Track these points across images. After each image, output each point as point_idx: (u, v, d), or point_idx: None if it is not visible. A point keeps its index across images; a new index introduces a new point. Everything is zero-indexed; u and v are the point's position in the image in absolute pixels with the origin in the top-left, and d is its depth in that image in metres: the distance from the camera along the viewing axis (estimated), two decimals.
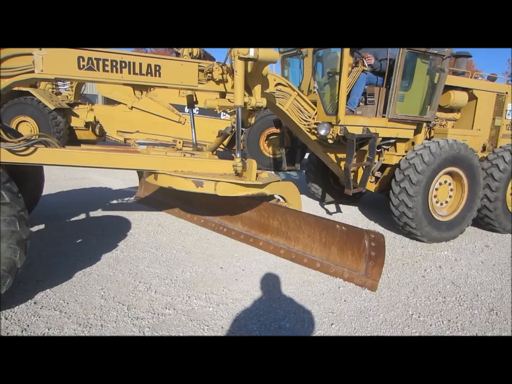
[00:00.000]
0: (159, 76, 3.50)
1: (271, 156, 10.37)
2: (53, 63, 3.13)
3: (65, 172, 8.20)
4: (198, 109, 10.42)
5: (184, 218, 5.12)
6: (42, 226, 4.56)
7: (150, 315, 2.77)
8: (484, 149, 5.91)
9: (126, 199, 6.20)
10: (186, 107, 10.64)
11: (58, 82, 10.99)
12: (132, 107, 10.03)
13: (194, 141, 5.08)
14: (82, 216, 5.14)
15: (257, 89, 3.78)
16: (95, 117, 10.55)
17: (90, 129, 10.88)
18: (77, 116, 10.64)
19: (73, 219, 4.96)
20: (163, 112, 10.18)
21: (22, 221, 2.58)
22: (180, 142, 10.41)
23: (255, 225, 4.31)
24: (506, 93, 6.02)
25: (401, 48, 4.48)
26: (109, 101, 11.21)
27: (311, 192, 6.70)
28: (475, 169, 4.86)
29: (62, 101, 10.61)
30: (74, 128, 10.68)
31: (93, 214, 5.26)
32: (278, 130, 9.54)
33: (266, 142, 10.38)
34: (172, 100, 10.26)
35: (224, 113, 10.36)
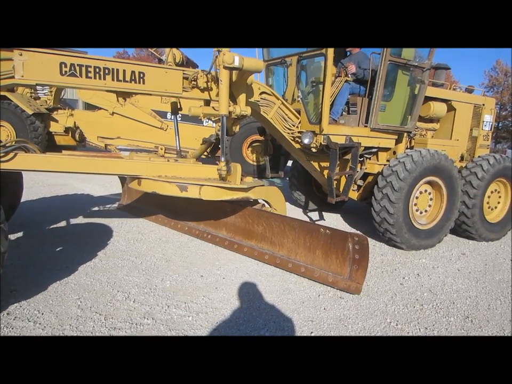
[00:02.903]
0: (143, 83, 3.49)
1: (254, 163, 10.39)
2: (34, 69, 3.08)
3: (43, 177, 8.03)
4: (180, 115, 10.38)
5: (168, 226, 5.06)
6: (18, 234, 4.44)
7: (128, 325, 2.72)
8: (462, 158, 6.08)
9: (107, 206, 6.11)
10: (169, 113, 10.60)
11: (37, 86, 10.77)
12: (113, 113, 9.93)
13: (178, 148, 5.04)
14: (61, 223, 5.03)
15: (242, 98, 3.80)
16: (75, 122, 10.37)
17: (70, 134, 10.68)
18: (56, 121, 10.43)
19: (51, 226, 4.85)
20: (145, 118, 10.11)
21: (1, 233, 2.51)
22: (161, 149, 10.24)
23: (239, 231, 4.30)
24: (483, 104, 6.24)
25: (383, 59, 4.58)
26: (89, 106, 11.07)
27: (294, 198, 6.74)
28: (454, 180, 5.00)
29: (41, 105, 10.39)
30: (53, 133, 10.45)
31: (71, 221, 5.15)
32: (261, 138, 9.62)
33: (249, 149, 10.40)
34: (154, 106, 10.20)
35: (207, 121, 10.35)
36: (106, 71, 3.31)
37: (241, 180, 3.92)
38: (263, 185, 4.16)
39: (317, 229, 3.59)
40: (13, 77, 3.06)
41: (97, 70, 3.27)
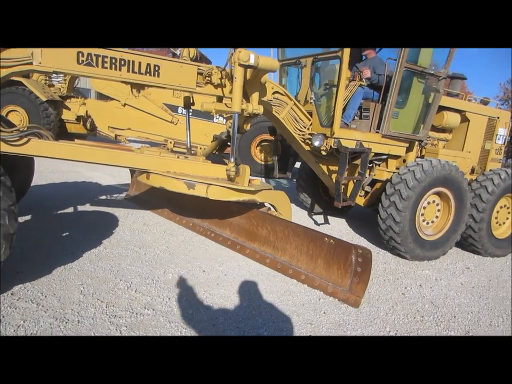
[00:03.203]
0: (158, 76, 3.50)
1: (262, 163, 10.40)
2: (51, 57, 3.12)
3: (53, 164, 8.08)
4: (191, 110, 10.44)
5: (173, 221, 5.07)
6: (27, 217, 4.49)
7: (129, 314, 2.73)
8: (472, 171, 6.02)
9: (114, 195, 6.14)
10: (180, 108, 10.61)
11: (52, 74, 10.87)
12: (125, 104, 9.98)
13: (188, 144, 5.03)
14: (68, 209, 5.07)
15: (255, 96, 3.81)
16: (86, 111, 10.45)
17: (81, 123, 10.77)
18: (68, 109, 10.53)
19: (58, 212, 4.89)
20: (156, 111, 10.15)
21: (11, 215, 2.55)
22: (171, 142, 10.37)
23: (243, 233, 4.29)
24: (498, 117, 6.16)
25: (399, 66, 4.56)
26: (102, 96, 11.14)
27: (300, 200, 6.72)
28: (463, 192, 4.95)
29: (54, 93, 10.49)
30: (65, 121, 10.56)
31: (79, 208, 5.20)
32: (270, 137, 9.64)
33: (258, 148, 10.42)
34: (165, 99, 10.24)
35: (218, 117, 10.38)
36: (122, 62, 3.33)
37: (249, 182, 3.93)
38: (271, 189, 4.16)
39: (321, 238, 3.55)
40: (31, 63, 3.09)
41: (113, 60, 3.30)
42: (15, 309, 2.59)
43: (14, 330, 2.36)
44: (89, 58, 3.21)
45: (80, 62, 3.20)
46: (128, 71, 3.37)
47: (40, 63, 3.09)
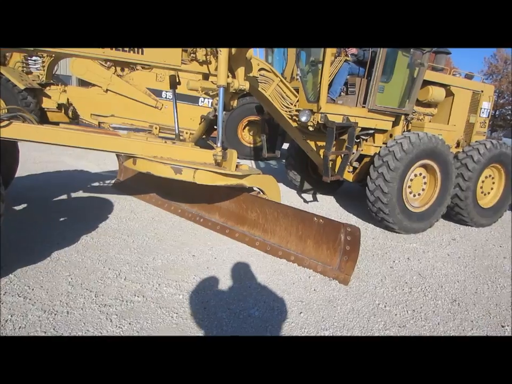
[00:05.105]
0: (142, 53, 3.43)
1: (249, 145, 10.34)
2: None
3: (36, 154, 7.92)
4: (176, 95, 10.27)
5: (162, 207, 5.03)
6: (10, 209, 4.41)
7: (118, 302, 2.73)
8: (458, 144, 6.08)
9: (99, 183, 6.06)
10: (164, 92, 10.40)
11: (29, 60, 10.52)
12: (107, 90, 9.74)
13: (176, 130, 4.92)
14: (52, 200, 4.99)
15: (240, 71, 3.77)
16: (68, 99, 10.17)
17: (63, 111, 10.48)
18: (48, 97, 10.21)
19: (42, 203, 4.81)
20: (139, 96, 9.94)
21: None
22: (156, 128, 10.21)
23: (232, 217, 4.28)
24: (482, 91, 6.20)
25: None
26: (83, 83, 10.86)
27: (289, 178, 6.71)
28: (449, 165, 5.01)
29: (33, 80, 10.16)
30: (45, 109, 10.25)
31: (63, 198, 5.12)
32: (256, 118, 9.56)
33: (244, 130, 10.33)
34: (148, 84, 10.03)
35: (203, 100, 10.23)
36: None
37: (237, 167, 3.90)
38: (259, 174, 4.13)
39: (311, 218, 3.55)
40: None
41: None
42: (2, 303, 2.56)
43: (2, 325, 2.34)
44: None
45: None
46: (111, 48, 3.27)
47: None
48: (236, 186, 3.91)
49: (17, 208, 4.49)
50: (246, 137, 10.40)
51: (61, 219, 4.28)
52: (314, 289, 3.19)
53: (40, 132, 3.37)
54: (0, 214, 2.56)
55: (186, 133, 9.76)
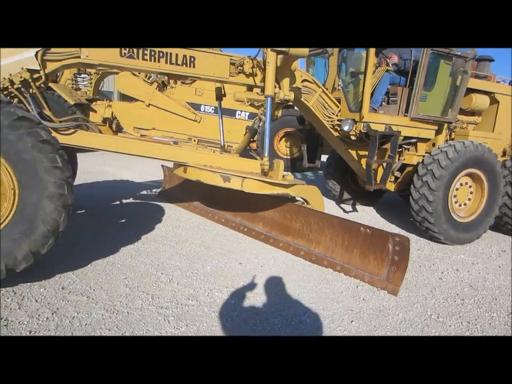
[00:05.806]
0: (193, 66, 3.69)
1: (285, 157, 10.42)
2: (97, 50, 3.37)
3: (84, 165, 8.32)
4: (213, 108, 10.54)
5: (205, 216, 5.16)
6: None
7: (174, 305, 2.83)
8: (504, 153, 5.89)
9: (144, 192, 6.30)
10: (202, 106, 10.68)
11: (78, 78, 11.15)
12: (149, 104, 10.15)
13: (222, 142, 5.10)
14: (101, 208, 5.24)
15: (286, 82, 3.89)
16: (112, 113, 10.68)
17: (108, 125, 11.00)
18: (95, 111, 10.78)
19: (92, 211, 5.06)
20: (179, 110, 10.28)
21: (69, 186, 2.73)
22: (194, 140, 10.46)
23: (276, 226, 4.32)
24: None
25: (425, 49, 4.52)
26: (124, 98, 11.35)
27: (328, 188, 6.71)
28: (496, 175, 4.88)
29: (81, 96, 10.77)
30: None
31: (112, 206, 5.36)
32: (292, 130, 9.65)
33: (280, 142, 10.44)
34: (188, 98, 10.37)
35: (240, 113, 10.45)
36: (161, 54, 3.55)
37: (283, 176, 3.98)
38: (304, 184, 4.20)
39: (357, 228, 3.54)
40: (79, 57, 3.36)
41: (153, 53, 3.53)
42: (68, 302, 2.73)
43: (70, 322, 2.49)
44: (131, 51, 3.45)
45: (123, 54, 3.44)
46: (166, 62, 3.59)
47: (87, 56, 3.36)
48: (282, 195, 3.98)
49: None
50: (282, 148, 10.50)
51: (110, 226, 4.48)
52: (363, 299, 3.17)
53: (102, 140, 3.65)
54: (69, 204, 2.74)
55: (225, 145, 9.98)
